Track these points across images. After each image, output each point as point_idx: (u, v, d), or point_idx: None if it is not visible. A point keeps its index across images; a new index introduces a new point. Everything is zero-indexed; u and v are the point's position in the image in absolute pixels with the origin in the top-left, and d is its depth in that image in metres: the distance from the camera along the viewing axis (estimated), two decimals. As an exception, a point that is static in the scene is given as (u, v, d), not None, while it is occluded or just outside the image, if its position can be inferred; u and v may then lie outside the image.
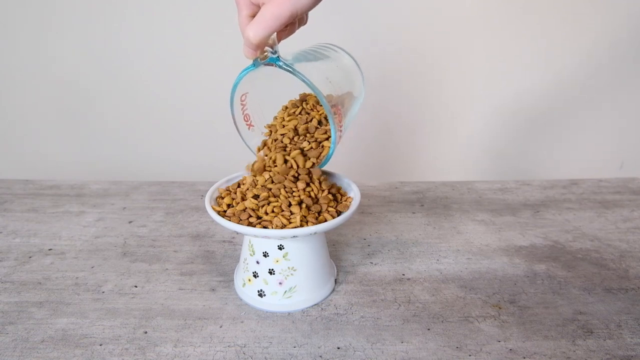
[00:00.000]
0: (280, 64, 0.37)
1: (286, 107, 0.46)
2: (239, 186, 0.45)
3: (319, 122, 0.44)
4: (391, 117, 0.96)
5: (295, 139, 0.43)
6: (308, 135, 0.44)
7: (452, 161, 1.00)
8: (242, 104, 0.43)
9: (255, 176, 0.43)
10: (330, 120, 0.38)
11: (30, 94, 0.94)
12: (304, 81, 0.37)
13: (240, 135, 0.45)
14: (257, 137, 0.46)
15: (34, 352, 0.38)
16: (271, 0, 0.34)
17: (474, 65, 0.91)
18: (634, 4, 0.84)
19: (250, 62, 0.39)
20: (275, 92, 0.46)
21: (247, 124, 0.45)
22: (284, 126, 0.44)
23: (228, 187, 0.46)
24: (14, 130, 0.98)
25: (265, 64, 0.38)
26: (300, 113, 0.45)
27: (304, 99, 0.46)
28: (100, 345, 0.39)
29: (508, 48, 0.89)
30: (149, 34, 0.88)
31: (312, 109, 0.45)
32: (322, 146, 0.43)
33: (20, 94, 0.94)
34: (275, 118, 0.47)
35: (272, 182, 0.42)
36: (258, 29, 0.35)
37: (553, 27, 0.87)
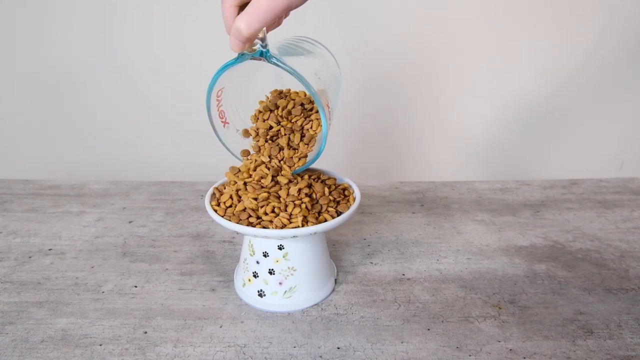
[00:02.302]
0: (274, 60, 0.35)
1: (260, 112, 0.44)
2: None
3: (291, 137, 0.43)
4: (391, 117, 0.96)
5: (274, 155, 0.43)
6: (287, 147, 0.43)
7: (452, 161, 1.00)
8: (217, 100, 0.41)
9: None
10: (322, 119, 0.37)
11: (30, 94, 0.94)
12: (300, 80, 0.35)
13: (216, 132, 0.42)
14: (232, 134, 0.44)
15: (33, 352, 0.38)
16: None
17: (474, 65, 0.91)
18: (633, 4, 0.84)
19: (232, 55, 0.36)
20: (251, 88, 0.44)
21: (222, 121, 0.42)
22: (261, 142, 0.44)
23: (226, 184, 0.46)
24: (14, 130, 0.98)
25: (252, 58, 0.35)
26: (273, 124, 0.43)
27: (275, 102, 0.44)
28: (100, 345, 0.39)
29: (508, 48, 0.89)
30: (148, 34, 0.88)
31: (284, 117, 0.43)
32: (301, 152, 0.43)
33: (20, 93, 0.94)
34: (251, 129, 0.45)
35: (266, 188, 0.42)
36: (251, 21, 0.32)
37: (553, 27, 0.87)
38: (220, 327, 0.42)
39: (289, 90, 0.45)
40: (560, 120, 0.96)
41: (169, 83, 0.92)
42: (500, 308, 0.44)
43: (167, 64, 0.90)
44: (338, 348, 0.39)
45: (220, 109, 0.42)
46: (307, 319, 0.43)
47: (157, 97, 0.94)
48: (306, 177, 0.43)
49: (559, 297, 0.46)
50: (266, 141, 0.44)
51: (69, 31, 0.88)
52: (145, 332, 0.41)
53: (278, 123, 0.44)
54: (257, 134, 0.44)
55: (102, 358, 0.38)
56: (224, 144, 0.43)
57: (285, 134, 0.43)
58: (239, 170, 0.44)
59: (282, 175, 0.42)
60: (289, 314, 0.44)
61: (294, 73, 0.35)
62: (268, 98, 0.45)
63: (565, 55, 0.89)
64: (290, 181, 0.42)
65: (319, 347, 0.39)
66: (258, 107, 0.45)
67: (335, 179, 0.46)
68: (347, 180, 0.48)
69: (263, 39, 0.35)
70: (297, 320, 0.43)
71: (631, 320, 0.42)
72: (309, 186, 0.42)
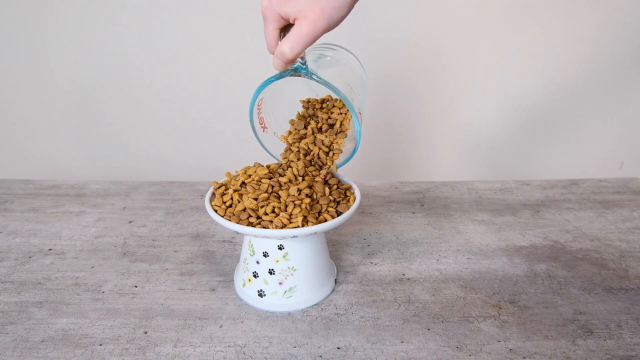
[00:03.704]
0: (315, 77, 0.39)
1: (290, 133, 0.48)
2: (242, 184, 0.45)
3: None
4: (391, 117, 0.96)
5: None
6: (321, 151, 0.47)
7: (452, 161, 1.00)
8: (258, 109, 0.45)
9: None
10: (357, 128, 0.41)
11: (30, 94, 0.94)
12: (340, 96, 0.39)
13: (257, 137, 0.46)
14: (270, 137, 0.48)
15: (34, 352, 0.38)
16: (306, 17, 0.35)
17: (474, 66, 0.91)
18: (633, 5, 0.84)
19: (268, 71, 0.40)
20: (285, 95, 0.48)
21: (262, 127, 0.47)
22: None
23: (226, 182, 0.46)
24: (14, 130, 0.98)
25: (292, 75, 0.39)
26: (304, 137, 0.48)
27: (309, 116, 0.48)
28: (100, 345, 0.39)
29: (509, 49, 0.89)
30: (149, 36, 0.88)
31: (315, 133, 0.47)
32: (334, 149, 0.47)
33: (21, 94, 0.94)
34: (289, 133, 0.49)
35: (270, 186, 0.42)
36: (294, 45, 0.36)
37: (553, 27, 0.87)
38: (220, 327, 0.42)
39: (316, 100, 0.49)
40: (560, 120, 0.96)
41: (169, 83, 0.92)
42: (500, 308, 0.44)
43: (167, 65, 0.90)
44: (338, 348, 0.39)
45: (260, 116, 0.46)
46: (307, 319, 0.43)
47: (157, 98, 0.94)
48: (307, 177, 0.43)
49: (559, 297, 0.46)
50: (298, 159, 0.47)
51: (68, 33, 0.88)
52: (145, 332, 0.41)
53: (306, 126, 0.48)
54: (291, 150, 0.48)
55: (102, 358, 0.38)
56: (264, 146, 0.47)
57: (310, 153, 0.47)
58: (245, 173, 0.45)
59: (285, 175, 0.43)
60: (289, 314, 0.44)
61: (336, 90, 0.39)
62: (299, 114, 0.49)
63: (565, 56, 0.89)
64: (290, 181, 0.42)
65: (319, 347, 0.39)
66: (293, 111, 0.50)
67: (338, 180, 0.46)
68: (347, 180, 0.48)
69: (302, 58, 0.39)
70: (297, 320, 0.43)
71: (631, 320, 0.42)
72: (310, 186, 0.42)
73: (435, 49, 0.89)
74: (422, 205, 0.68)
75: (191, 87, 0.92)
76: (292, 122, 0.49)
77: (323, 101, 0.49)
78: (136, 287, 0.48)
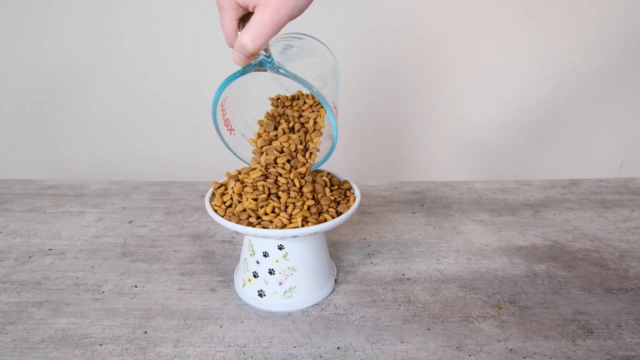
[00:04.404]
0: (282, 71, 0.35)
1: (259, 135, 0.45)
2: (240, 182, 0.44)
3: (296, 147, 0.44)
4: (391, 117, 0.96)
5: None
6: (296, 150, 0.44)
7: (452, 161, 1.00)
8: (222, 109, 0.41)
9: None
10: (333, 124, 0.38)
11: (30, 94, 0.94)
12: (311, 90, 0.35)
13: (224, 141, 0.43)
14: (239, 140, 0.44)
15: (34, 352, 0.38)
16: (267, 4, 0.31)
17: (474, 66, 0.91)
18: (633, 5, 0.84)
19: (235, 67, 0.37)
20: (252, 93, 0.44)
21: (228, 129, 0.43)
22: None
23: (225, 182, 0.45)
24: (14, 130, 0.98)
25: (257, 69, 0.35)
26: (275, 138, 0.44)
27: (278, 115, 0.45)
28: (100, 345, 0.39)
29: (509, 49, 0.89)
30: (148, 35, 0.88)
31: (287, 134, 0.44)
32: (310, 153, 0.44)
33: (21, 94, 0.94)
34: (258, 136, 0.45)
35: (267, 184, 0.41)
36: (256, 36, 0.32)
37: (553, 27, 0.87)
38: (220, 327, 0.42)
39: (286, 97, 0.45)
40: (560, 120, 0.96)
41: (169, 83, 0.92)
42: (500, 308, 0.44)
43: (166, 65, 0.90)
44: (338, 348, 0.39)
45: (225, 117, 0.42)
46: (307, 319, 0.43)
47: (157, 98, 0.94)
48: (310, 179, 0.43)
49: (559, 297, 0.46)
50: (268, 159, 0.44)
51: (68, 32, 0.88)
52: (145, 332, 0.41)
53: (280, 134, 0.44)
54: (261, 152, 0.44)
55: (102, 358, 0.38)
56: (232, 151, 0.44)
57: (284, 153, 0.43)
58: (239, 172, 0.44)
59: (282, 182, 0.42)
60: (289, 314, 0.44)
61: (306, 84, 0.35)
62: (268, 114, 0.45)
63: (566, 56, 0.89)
64: (288, 182, 0.42)
65: (319, 347, 0.39)
66: (261, 111, 0.46)
67: (339, 180, 0.46)
68: (347, 180, 0.48)
69: (266, 50, 0.35)
70: (297, 320, 0.43)
71: (631, 320, 0.42)
72: (312, 190, 0.42)
73: (436, 49, 0.89)
74: (422, 205, 0.68)
75: (191, 87, 0.92)
76: (260, 122, 0.45)
77: (293, 98, 0.45)
78: (136, 287, 0.48)
